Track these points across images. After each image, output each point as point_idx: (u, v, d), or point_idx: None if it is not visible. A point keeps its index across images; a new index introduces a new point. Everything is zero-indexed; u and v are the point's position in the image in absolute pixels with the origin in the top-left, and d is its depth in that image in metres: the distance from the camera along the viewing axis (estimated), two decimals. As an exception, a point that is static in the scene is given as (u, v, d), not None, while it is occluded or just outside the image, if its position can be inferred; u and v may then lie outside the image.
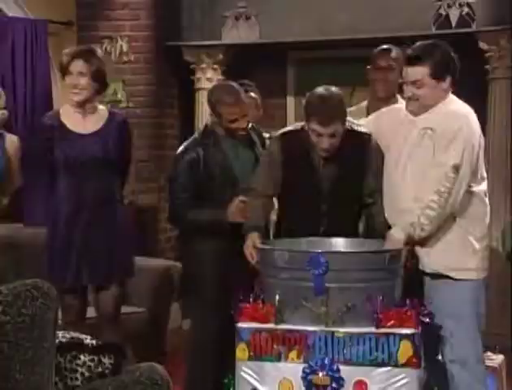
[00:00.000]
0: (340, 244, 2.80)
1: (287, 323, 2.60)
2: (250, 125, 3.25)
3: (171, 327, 4.40)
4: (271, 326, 2.61)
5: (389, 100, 3.29)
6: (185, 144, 3.23)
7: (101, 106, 3.34)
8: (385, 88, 3.28)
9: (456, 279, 2.80)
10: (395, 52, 3.34)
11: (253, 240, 2.82)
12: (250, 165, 3.12)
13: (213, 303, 3.08)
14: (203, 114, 5.17)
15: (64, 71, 3.22)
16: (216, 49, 5.20)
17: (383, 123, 2.94)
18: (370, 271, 2.60)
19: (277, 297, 2.61)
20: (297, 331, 2.57)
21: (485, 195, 2.87)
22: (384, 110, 3.03)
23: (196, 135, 3.26)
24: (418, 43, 2.83)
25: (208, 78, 5.25)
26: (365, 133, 2.88)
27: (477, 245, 2.83)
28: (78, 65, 3.19)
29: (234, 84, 3.15)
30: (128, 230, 3.32)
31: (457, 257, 2.80)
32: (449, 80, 2.77)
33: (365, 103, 3.47)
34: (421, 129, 2.78)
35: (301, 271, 2.58)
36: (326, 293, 2.55)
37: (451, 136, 2.72)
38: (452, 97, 2.84)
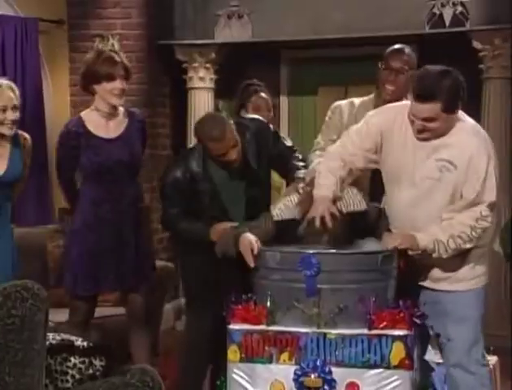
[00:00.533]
0: (340, 245, 2.73)
1: (279, 325, 2.60)
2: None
3: (163, 327, 4.41)
4: (262, 327, 2.61)
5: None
6: (178, 161, 3.21)
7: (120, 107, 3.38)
8: (394, 92, 3.13)
9: (462, 291, 2.78)
10: (407, 52, 3.20)
11: (249, 241, 2.77)
12: (242, 194, 3.13)
13: (206, 303, 3.08)
14: (195, 114, 5.19)
15: (107, 76, 3.22)
16: (209, 48, 5.22)
17: (391, 118, 2.77)
18: (362, 272, 2.60)
19: (269, 299, 2.61)
20: (289, 332, 2.57)
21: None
22: (393, 106, 2.85)
23: (189, 152, 3.21)
24: (424, 71, 2.63)
25: (200, 77, 5.27)
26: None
27: (481, 252, 2.80)
28: (121, 69, 3.24)
29: (222, 115, 3.11)
30: (149, 231, 3.42)
31: (457, 269, 2.77)
32: (457, 111, 2.66)
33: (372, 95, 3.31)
34: (437, 160, 2.68)
35: (293, 272, 2.58)
36: (318, 295, 2.55)
37: (482, 174, 2.65)
38: (460, 116, 2.70)
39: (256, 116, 3.32)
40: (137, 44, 5.12)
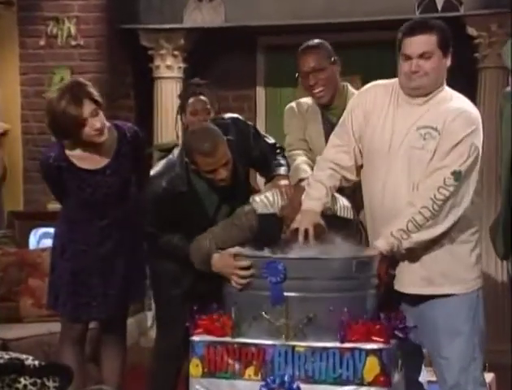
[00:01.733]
0: (311, 249, 2.76)
1: (244, 337, 2.64)
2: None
3: (128, 343, 4.45)
4: (225, 339, 2.64)
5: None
6: (162, 171, 3.21)
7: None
8: (324, 91, 3.23)
9: (448, 295, 2.79)
10: (317, 46, 3.30)
11: (226, 261, 2.82)
12: (228, 202, 3.16)
13: (180, 316, 3.08)
14: (162, 106, 5.26)
15: (78, 124, 3.12)
16: (177, 33, 5.23)
17: (370, 98, 2.88)
18: (334, 280, 2.62)
19: (234, 308, 2.66)
20: (255, 345, 2.61)
21: (477, 195, 2.88)
22: (379, 83, 2.95)
23: (170, 164, 3.21)
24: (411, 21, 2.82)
25: (168, 65, 5.30)
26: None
27: (468, 251, 2.83)
28: (90, 105, 3.14)
29: (216, 129, 3.09)
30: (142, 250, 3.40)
31: (446, 269, 2.79)
32: (449, 58, 2.79)
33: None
34: (419, 128, 2.76)
35: (259, 279, 2.63)
36: (285, 303, 2.59)
37: (458, 138, 2.72)
38: (450, 90, 2.83)
39: (235, 115, 3.33)
40: (97, 28, 5.13)
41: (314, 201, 2.87)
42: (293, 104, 3.41)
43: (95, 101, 3.19)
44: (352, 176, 2.94)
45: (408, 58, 2.75)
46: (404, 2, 4.85)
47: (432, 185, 2.72)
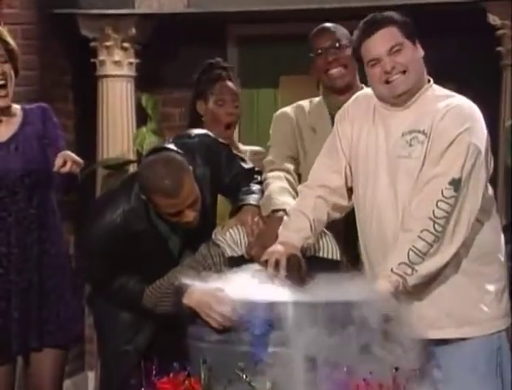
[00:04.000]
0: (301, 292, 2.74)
1: (218, 405, 2.60)
2: None
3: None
4: (194, 409, 2.59)
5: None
6: (112, 201, 3.22)
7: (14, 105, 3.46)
8: (341, 73, 3.37)
9: (458, 340, 2.81)
10: (334, 28, 3.46)
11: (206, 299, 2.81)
12: (194, 237, 3.15)
13: (125, 377, 3.09)
14: (109, 112, 5.27)
15: None
16: (127, 20, 5.21)
17: (349, 117, 3.01)
18: (336, 328, 2.57)
19: (204, 367, 2.63)
20: (232, 416, 2.57)
21: (488, 210, 2.90)
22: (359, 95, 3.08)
23: (129, 189, 3.19)
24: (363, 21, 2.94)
25: (116, 61, 5.28)
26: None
27: (479, 283, 2.85)
28: None
29: (180, 160, 3.04)
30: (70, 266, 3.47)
31: (449, 307, 2.81)
32: (419, 47, 2.89)
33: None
34: (404, 134, 2.84)
35: (237, 331, 2.62)
36: (270, 361, 2.56)
37: (450, 139, 2.77)
38: (438, 88, 2.92)
39: (203, 132, 3.34)
40: (24, 13, 5.07)
41: (292, 232, 2.91)
42: (288, 108, 3.46)
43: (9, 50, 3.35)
44: (343, 201, 2.99)
45: (376, 60, 2.84)
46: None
47: (428, 200, 2.74)
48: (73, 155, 3.30)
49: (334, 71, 3.35)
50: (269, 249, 2.88)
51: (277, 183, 3.20)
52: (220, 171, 3.22)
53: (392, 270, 2.72)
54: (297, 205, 2.99)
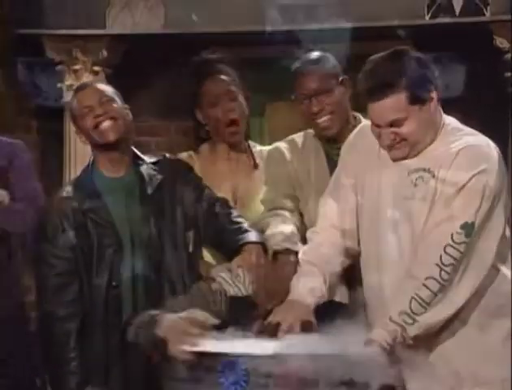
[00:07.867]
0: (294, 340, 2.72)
1: None
2: None
3: None
4: None
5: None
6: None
7: None
8: (332, 120, 3.31)
9: None
10: (320, 60, 3.37)
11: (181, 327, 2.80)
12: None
13: None
14: (77, 143, 5.02)
15: None
16: (97, 42, 5.23)
17: (355, 150, 3.00)
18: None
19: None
20: None
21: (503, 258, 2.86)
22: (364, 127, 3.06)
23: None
24: (370, 62, 2.83)
25: (85, 86, 5.25)
26: None
27: (507, 343, 2.81)
28: None
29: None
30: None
31: (458, 364, 2.79)
32: (435, 96, 2.81)
33: None
34: (410, 172, 2.82)
35: (211, 385, 2.62)
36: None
37: (465, 179, 2.74)
38: (452, 121, 2.89)
39: (167, 156, 3.38)
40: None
41: (305, 292, 2.88)
42: (281, 144, 3.43)
43: None
44: (354, 245, 2.97)
45: (376, 125, 2.84)
46: (410, 4, 4.89)
47: (436, 245, 2.74)
48: None
49: (321, 120, 3.28)
50: (279, 307, 2.84)
51: (279, 221, 3.22)
52: (185, 202, 3.28)
53: (390, 318, 2.71)
54: (308, 256, 2.97)
